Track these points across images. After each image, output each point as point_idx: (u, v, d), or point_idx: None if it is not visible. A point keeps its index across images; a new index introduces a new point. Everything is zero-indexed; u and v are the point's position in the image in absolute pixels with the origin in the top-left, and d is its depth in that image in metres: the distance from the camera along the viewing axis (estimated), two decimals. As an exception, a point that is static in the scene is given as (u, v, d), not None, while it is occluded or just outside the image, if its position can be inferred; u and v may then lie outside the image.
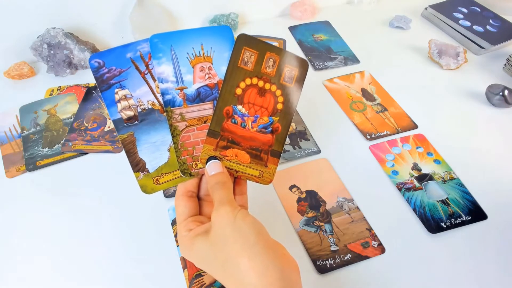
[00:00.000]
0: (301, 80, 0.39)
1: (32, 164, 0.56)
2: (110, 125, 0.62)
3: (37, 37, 0.68)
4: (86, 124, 0.62)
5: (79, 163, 0.57)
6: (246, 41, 0.37)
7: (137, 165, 0.38)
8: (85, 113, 0.64)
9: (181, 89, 0.37)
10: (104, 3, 0.70)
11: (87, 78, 0.70)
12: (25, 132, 0.61)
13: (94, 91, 0.67)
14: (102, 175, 0.55)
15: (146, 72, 0.37)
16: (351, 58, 0.75)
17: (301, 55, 0.76)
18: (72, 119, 0.63)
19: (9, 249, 0.47)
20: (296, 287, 0.30)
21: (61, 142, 0.59)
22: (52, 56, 0.68)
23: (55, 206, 0.52)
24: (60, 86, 0.68)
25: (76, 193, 0.53)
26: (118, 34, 0.75)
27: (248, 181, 0.39)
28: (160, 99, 0.37)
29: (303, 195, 0.53)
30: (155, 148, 0.38)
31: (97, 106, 0.65)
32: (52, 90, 0.68)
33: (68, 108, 0.64)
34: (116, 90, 0.36)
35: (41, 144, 0.59)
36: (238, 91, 0.37)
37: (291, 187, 0.54)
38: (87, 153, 0.58)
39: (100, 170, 0.56)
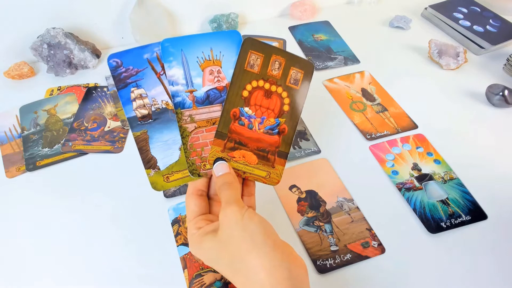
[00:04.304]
0: (306, 82, 0.39)
1: (32, 164, 0.56)
2: (110, 125, 0.62)
3: (37, 37, 0.68)
4: (86, 124, 0.62)
5: (79, 163, 0.57)
6: (252, 44, 0.37)
7: (149, 162, 0.39)
8: (85, 113, 0.64)
9: (191, 92, 0.38)
10: (104, 3, 0.70)
11: (87, 78, 0.70)
12: (25, 132, 0.61)
13: (94, 91, 0.67)
14: (102, 175, 0.55)
15: (161, 73, 0.38)
16: (351, 58, 0.75)
17: (301, 55, 0.76)
18: (72, 119, 0.63)
19: (9, 249, 0.47)
20: (304, 286, 0.30)
21: (61, 142, 0.59)
22: (52, 56, 0.68)
23: (55, 206, 0.52)
24: (60, 86, 0.68)
25: (76, 193, 0.53)
26: (118, 34, 0.75)
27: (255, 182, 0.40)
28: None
29: (303, 195, 0.53)
30: (167, 147, 0.39)
31: (97, 106, 0.65)
32: (52, 90, 0.68)
33: (68, 108, 0.64)
34: (132, 89, 0.38)
35: (41, 144, 0.59)
36: (245, 93, 0.38)
37: (291, 187, 0.54)
38: (87, 153, 0.58)
39: (100, 170, 0.56)
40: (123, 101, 0.38)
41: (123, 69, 0.37)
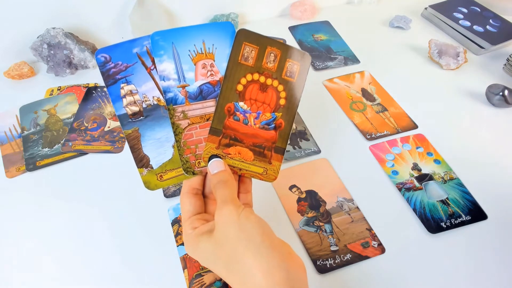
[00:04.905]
0: (303, 74, 0.38)
1: (32, 164, 0.56)
2: (110, 125, 0.62)
3: (37, 37, 0.68)
4: (86, 124, 0.62)
5: (79, 163, 0.57)
6: (246, 36, 0.36)
7: (141, 161, 0.37)
8: (85, 113, 0.64)
9: (183, 87, 0.37)
10: (104, 3, 0.70)
11: (87, 78, 0.70)
12: (25, 132, 0.61)
13: (94, 91, 0.67)
14: (102, 175, 0.55)
15: (152, 68, 0.36)
16: (351, 58, 0.75)
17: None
18: (72, 119, 0.63)
19: (8, 249, 0.47)
20: (302, 287, 0.30)
21: (61, 142, 0.59)
22: (52, 56, 0.68)
23: (55, 206, 0.52)
24: (60, 86, 0.68)
25: (76, 193, 0.53)
26: (118, 34, 0.75)
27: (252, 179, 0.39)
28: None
29: (303, 195, 0.53)
30: (160, 144, 0.38)
31: (97, 106, 0.65)
32: (52, 90, 0.68)
33: (68, 108, 0.64)
34: (122, 85, 0.36)
35: (41, 144, 0.59)
36: (239, 87, 0.37)
37: (291, 187, 0.54)
38: (87, 153, 0.58)
39: (100, 170, 0.56)
40: (113, 98, 0.36)
41: (112, 65, 0.36)
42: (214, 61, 0.37)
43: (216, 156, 0.37)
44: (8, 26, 0.67)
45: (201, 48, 0.36)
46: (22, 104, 0.64)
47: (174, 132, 0.37)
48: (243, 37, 0.36)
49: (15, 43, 0.69)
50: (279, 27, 0.83)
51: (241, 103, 0.37)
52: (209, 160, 0.36)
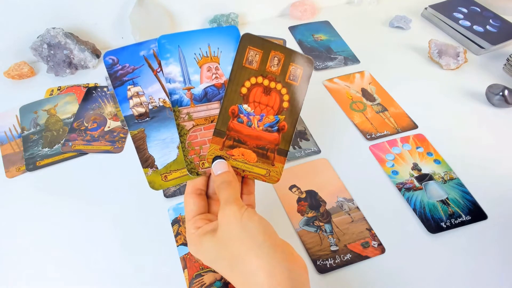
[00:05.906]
0: (306, 78, 0.39)
1: (32, 164, 0.56)
2: (110, 125, 0.62)
3: (37, 37, 0.68)
4: (86, 124, 0.62)
5: (79, 163, 0.57)
6: (251, 40, 0.37)
7: (146, 161, 0.38)
8: (85, 113, 0.64)
9: (188, 89, 0.37)
10: (104, 3, 0.70)
11: (87, 78, 0.70)
12: (25, 132, 0.61)
13: (94, 91, 0.67)
14: (102, 175, 0.55)
15: (158, 70, 0.37)
16: (351, 58, 0.75)
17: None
18: (72, 119, 0.63)
19: (9, 249, 0.47)
20: (304, 287, 0.30)
21: (61, 142, 0.59)
22: (52, 56, 0.68)
23: (55, 206, 0.51)
24: (60, 86, 0.68)
25: (76, 193, 0.53)
26: (118, 34, 0.75)
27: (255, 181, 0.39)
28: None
29: (303, 195, 0.53)
30: (165, 145, 0.38)
31: (97, 106, 0.65)
32: (52, 90, 0.68)
33: (68, 108, 0.64)
34: (128, 87, 0.37)
35: (41, 144, 0.59)
36: (244, 90, 0.37)
37: (291, 187, 0.54)
38: (87, 153, 0.58)
39: (100, 170, 0.56)
40: (120, 99, 0.37)
41: (119, 67, 0.37)
42: (219, 64, 0.38)
43: (220, 157, 0.37)
44: (8, 26, 0.67)
45: (206, 52, 0.37)
46: (22, 104, 0.64)
47: (179, 133, 0.37)
48: (248, 41, 0.37)
49: (15, 43, 0.69)
50: (279, 27, 0.83)
51: (245, 106, 0.38)
52: (213, 161, 0.37)
